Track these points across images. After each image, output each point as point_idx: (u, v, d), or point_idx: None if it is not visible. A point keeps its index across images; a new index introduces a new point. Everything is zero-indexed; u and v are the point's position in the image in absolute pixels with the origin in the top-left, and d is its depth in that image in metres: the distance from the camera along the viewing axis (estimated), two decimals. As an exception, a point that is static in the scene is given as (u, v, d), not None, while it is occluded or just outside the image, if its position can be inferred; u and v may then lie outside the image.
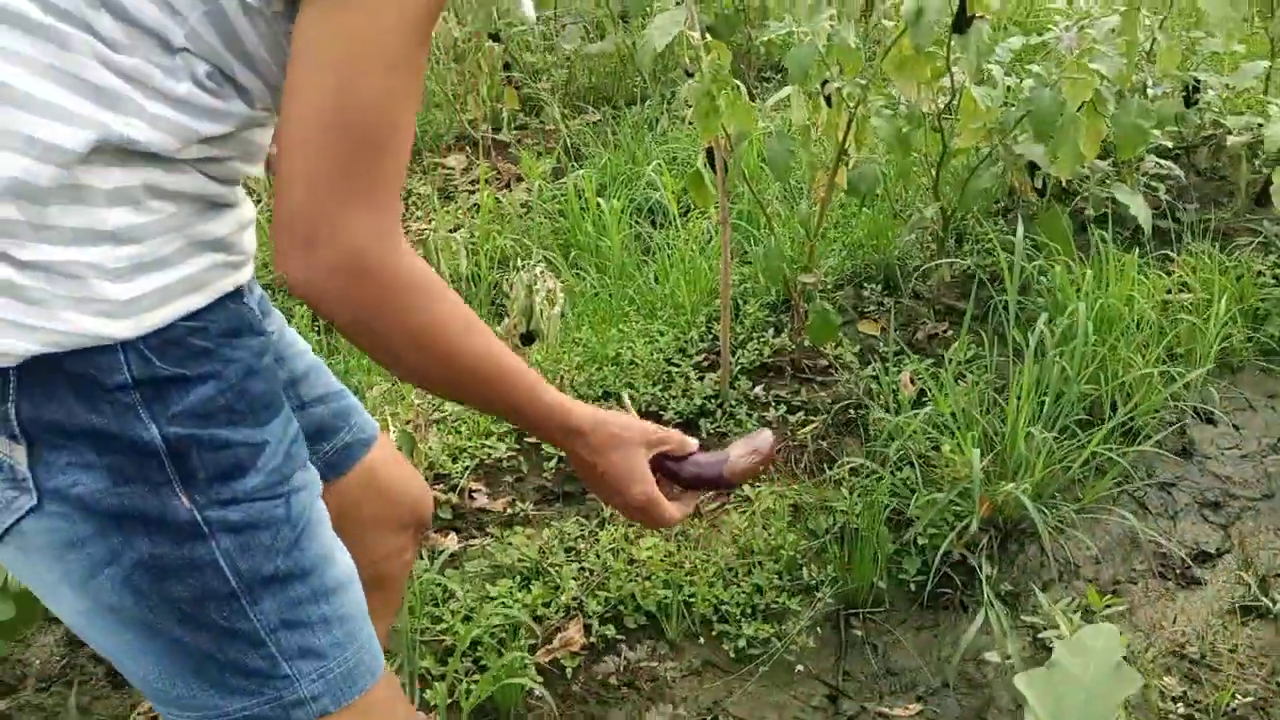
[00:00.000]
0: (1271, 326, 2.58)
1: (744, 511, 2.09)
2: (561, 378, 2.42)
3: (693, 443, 1.11)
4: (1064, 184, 2.87)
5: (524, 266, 1.88)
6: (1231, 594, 1.94)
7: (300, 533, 0.88)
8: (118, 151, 0.76)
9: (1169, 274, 2.65)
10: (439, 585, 1.85)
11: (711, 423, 2.36)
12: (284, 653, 0.87)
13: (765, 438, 1.17)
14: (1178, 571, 2.01)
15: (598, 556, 1.95)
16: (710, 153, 2.17)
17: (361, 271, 0.78)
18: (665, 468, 1.12)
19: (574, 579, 1.90)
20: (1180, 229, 2.90)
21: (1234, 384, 2.51)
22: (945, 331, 2.67)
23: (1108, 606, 1.82)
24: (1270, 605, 1.89)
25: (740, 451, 1.15)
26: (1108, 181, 2.61)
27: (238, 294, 0.87)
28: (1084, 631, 0.87)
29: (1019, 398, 2.03)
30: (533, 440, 2.31)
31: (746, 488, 2.15)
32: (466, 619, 1.81)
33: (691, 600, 1.86)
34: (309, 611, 0.88)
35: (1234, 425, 2.38)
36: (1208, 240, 2.80)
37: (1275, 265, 2.79)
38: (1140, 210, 2.41)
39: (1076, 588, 1.97)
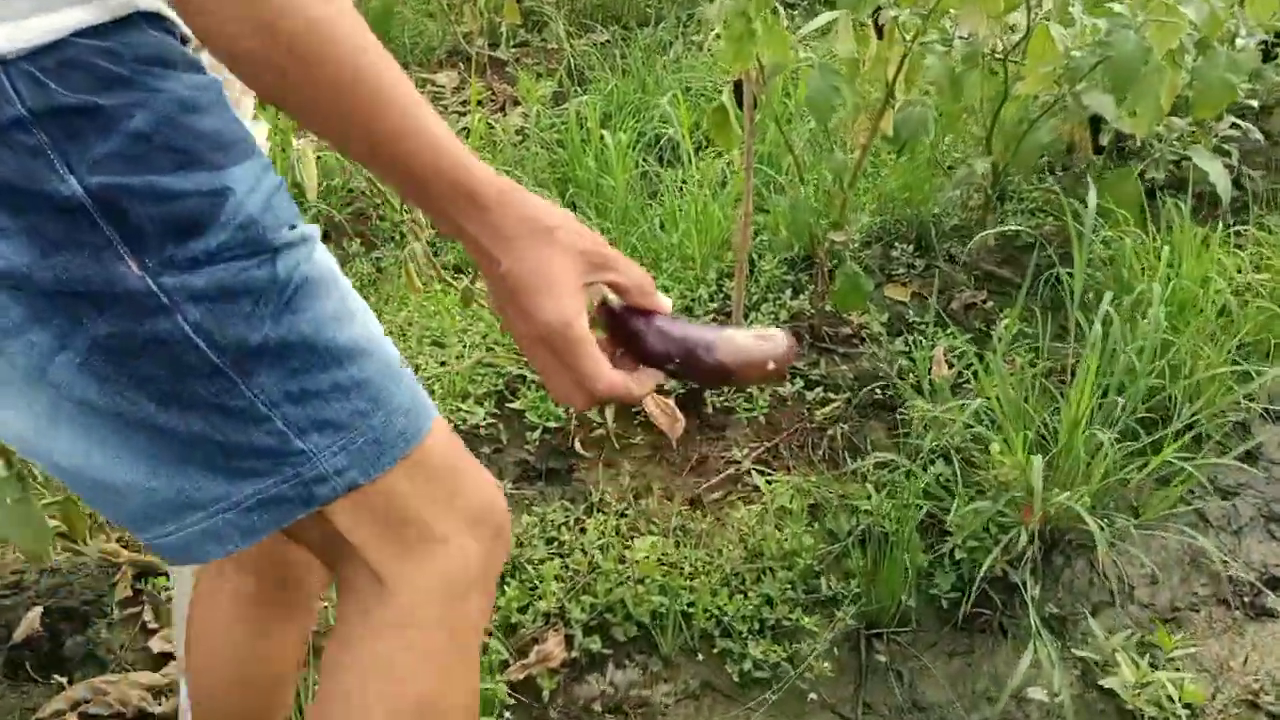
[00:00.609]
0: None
1: (753, 504, 1.82)
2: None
3: (664, 301, 0.77)
4: (1124, 142, 2.57)
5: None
6: (1310, 631, 1.70)
7: (293, 294, 0.74)
8: None
9: (1239, 249, 2.35)
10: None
11: (718, 395, 2.08)
12: (294, 427, 0.75)
13: (781, 333, 0.79)
14: (1246, 600, 1.76)
15: (584, 553, 1.68)
16: (738, 86, 1.85)
17: None
18: (626, 325, 0.76)
19: (556, 578, 1.63)
20: (1248, 198, 2.60)
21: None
22: (984, 302, 2.39)
23: (1177, 647, 1.57)
24: (1356, 648, 1.65)
25: (745, 330, 0.79)
26: (1180, 141, 2.30)
27: (159, 22, 0.70)
28: None
29: (1079, 392, 1.75)
30: (516, 407, 2.03)
31: (756, 476, 1.89)
32: (428, 621, 1.55)
33: (691, 610, 1.60)
34: (317, 380, 0.75)
35: (1306, 427, 2.12)
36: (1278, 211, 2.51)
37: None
38: (1219, 178, 2.12)
39: (1131, 613, 1.72)
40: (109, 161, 0.66)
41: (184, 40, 0.73)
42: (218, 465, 0.75)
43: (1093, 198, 1.87)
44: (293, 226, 0.76)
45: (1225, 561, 1.78)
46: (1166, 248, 1.98)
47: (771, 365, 0.76)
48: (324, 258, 0.79)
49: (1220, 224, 2.20)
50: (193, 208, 0.69)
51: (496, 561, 0.90)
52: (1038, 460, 1.60)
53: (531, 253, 0.70)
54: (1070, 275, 2.06)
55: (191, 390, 0.72)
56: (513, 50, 3.63)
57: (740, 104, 1.93)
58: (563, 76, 3.25)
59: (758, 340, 0.76)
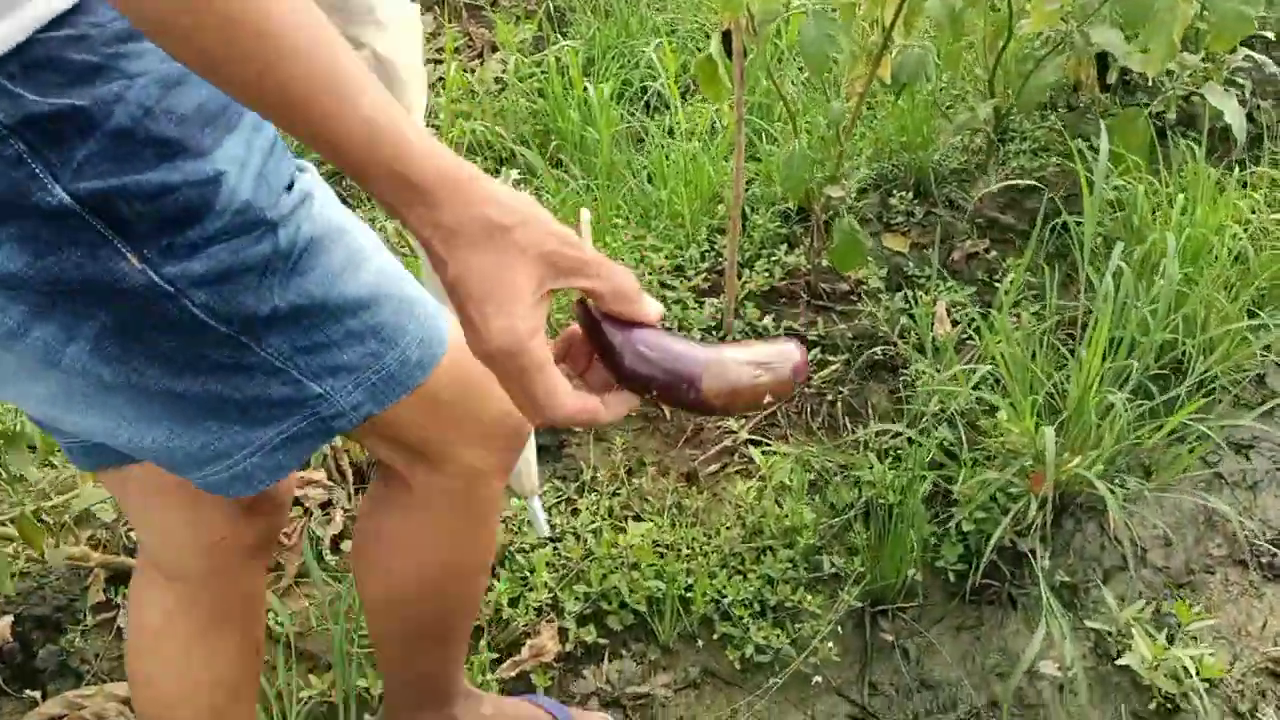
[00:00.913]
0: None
1: (751, 478, 1.75)
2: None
3: (653, 308, 0.67)
4: (1131, 75, 2.45)
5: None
6: (1329, 593, 1.64)
7: (299, 259, 0.73)
8: None
9: (1253, 189, 2.25)
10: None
11: (713, 359, 2.00)
12: (309, 374, 0.76)
13: (789, 354, 0.69)
14: (1263, 560, 1.70)
15: (576, 537, 1.61)
16: (727, 35, 1.74)
17: None
18: (602, 336, 0.66)
19: (548, 565, 1.57)
20: (1261, 131, 2.50)
21: (1319, 323, 2.15)
22: (986, 251, 2.30)
23: (1194, 620, 1.51)
24: (1378, 611, 1.60)
25: (743, 354, 0.67)
26: (1192, 78, 2.19)
27: None
28: None
29: (1091, 354, 1.67)
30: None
31: (753, 449, 1.81)
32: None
33: (689, 595, 1.54)
34: (329, 333, 0.76)
35: (1320, 373, 2.04)
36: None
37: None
38: (1234, 116, 2.01)
39: (1145, 578, 1.67)
40: (94, 163, 0.63)
41: None
42: (236, 418, 0.76)
43: (1104, 144, 1.77)
44: (289, 186, 0.74)
45: (1241, 521, 1.72)
46: (1181, 195, 1.88)
47: (768, 399, 0.67)
48: (325, 208, 0.77)
49: (1235, 166, 2.10)
50: (186, 199, 0.67)
51: (511, 458, 0.96)
52: (1049, 431, 1.53)
53: (481, 257, 0.60)
54: (1078, 223, 1.97)
55: (204, 356, 0.72)
56: (490, -8, 3.48)
57: (729, 53, 1.82)
58: (542, 20, 3.11)
59: (754, 369, 0.66)
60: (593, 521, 1.63)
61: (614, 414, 0.67)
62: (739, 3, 1.54)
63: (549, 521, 1.34)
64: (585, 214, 0.81)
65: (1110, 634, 1.55)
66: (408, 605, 1.03)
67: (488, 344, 0.61)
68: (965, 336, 2.00)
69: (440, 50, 3.14)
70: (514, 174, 1.67)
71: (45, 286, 0.65)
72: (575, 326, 0.69)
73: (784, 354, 0.68)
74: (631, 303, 0.66)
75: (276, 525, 1.02)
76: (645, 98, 2.72)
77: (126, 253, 0.66)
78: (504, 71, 2.86)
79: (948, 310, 2.08)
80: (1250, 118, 2.55)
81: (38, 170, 0.62)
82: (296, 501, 1.66)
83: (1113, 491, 1.60)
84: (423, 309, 0.84)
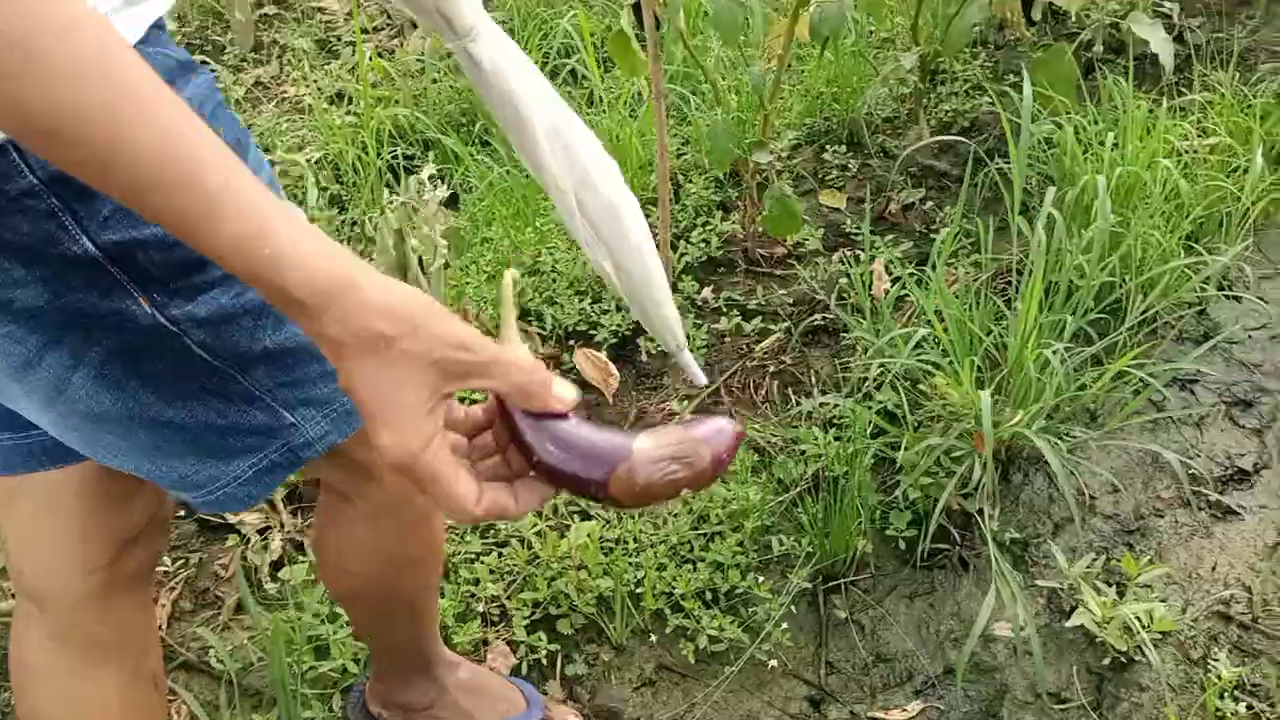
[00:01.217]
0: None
1: (697, 460, 1.72)
2: (466, 293, 1.98)
3: (567, 393, 0.63)
4: (1057, 9, 2.41)
5: (401, 191, 1.42)
6: (1278, 526, 1.64)
7: None
8: None
9: (1184, 112, 2.22)
10: (321, 601, 1.48)
11: (651, 340, 1.96)
12: (285, 404, 0.82)
13: (715, 438, 0.65)
14: (1211, 500, 1.70)
15: (521, 542, 1.59)
16: (637, 8, 1.68)
17: None
18: (514, 429, 0.63)
19: (492, 573, 1.54)
20: (1190, 52, 2.46)
21: (1257, 247, 2.14)
22: (923, 202, 2.26)
23: (1143, 572, 1.51)
24: (1325, 542, 1.60)
25: (659, 449, 0.63)
26: (1120, 5, 2.15)
27: (155, 35, 0.71)
28: None
29: (1026, 307, 1.64)
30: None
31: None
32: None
33: (639, 591, 1.52)
34: (308, 371, 0.83)
35: (1261, 299, 2.03)
36: (1224, 68, 2.37)
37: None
38: (1162, 46, 1.97)
39: (1095, 527, 1.66)
40: (118, 217, 0.68)
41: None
42: (215, 449, 0.81)
43: (1028, 89, 1.73)
44: None
45: (1185, 462, 1.71)
46: (1110, 134, 1.85)
47: (686, 491, 0.64)
48: None
49: (1164, 97, 2.07)
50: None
51: None
52: (985, 395, 1.51)
53: (367, 368, 0.57)
54: (1009, 165, 1.94)
55: (194, 383, 0.77)
56: (404, -36, 3.36)
57: (641, 24, 1.76)
58: (459, -9, 3.01)
59: (669, 464, 0.63)
60: (534, 525, 1.60)
61: (526, 506, 0.63)
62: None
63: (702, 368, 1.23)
64: (508, 278, 0.76)
65: (1062, 591, 1.55)
66: (370, 596, 1.15)
67: (381, 457, 0.58)
68: (904, 293, 1.98)
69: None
70: (430, 169, 1.61)
71: (60, 318, 0.71)
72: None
73: (710, 438, 0.64)
74: (538, 398, 0.62)
75: (158, 552, 1.03)
76: (570, 65, 2.65)
77: (138, 296, 0.71)
78: (424, 52, 2.78)
79: (886, 268, 2.05)
80: (1180, 38, 2.52)
81: (67, 222, 0.67)
82: (233, 529, 1.62)
83: (1056, 444, 1.59)
84: None
